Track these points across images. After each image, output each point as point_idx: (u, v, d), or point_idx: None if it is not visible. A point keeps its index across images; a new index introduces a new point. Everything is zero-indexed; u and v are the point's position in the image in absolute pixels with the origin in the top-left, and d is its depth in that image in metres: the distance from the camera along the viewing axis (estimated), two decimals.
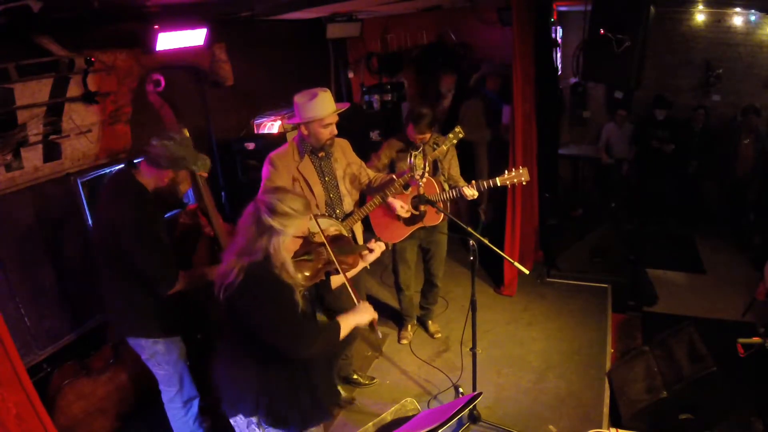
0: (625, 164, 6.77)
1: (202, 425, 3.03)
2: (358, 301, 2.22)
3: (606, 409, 3.46)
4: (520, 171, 3.33)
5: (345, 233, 3.05)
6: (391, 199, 3.39)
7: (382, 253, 2.53)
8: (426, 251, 4.03)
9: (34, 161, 3.13)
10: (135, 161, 2.67)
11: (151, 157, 2.53)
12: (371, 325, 2.22)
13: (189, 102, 4.42)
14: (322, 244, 2.19)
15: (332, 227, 2.97)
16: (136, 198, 2.52)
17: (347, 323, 2.15)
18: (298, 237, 1.99)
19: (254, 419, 2.10)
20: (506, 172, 3.36)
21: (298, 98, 2.92)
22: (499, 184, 3.36)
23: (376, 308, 2.31)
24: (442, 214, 3.60)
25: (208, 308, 2.93)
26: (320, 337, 2.04)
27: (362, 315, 2.19)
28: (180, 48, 3.73)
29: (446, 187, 3.65)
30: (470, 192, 3.40)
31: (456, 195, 3.48)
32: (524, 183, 3.37)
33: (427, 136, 3.57)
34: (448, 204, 3.67)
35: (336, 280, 2.37)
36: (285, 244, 1.95)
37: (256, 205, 1.97)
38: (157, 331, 2.70)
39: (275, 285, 1.95)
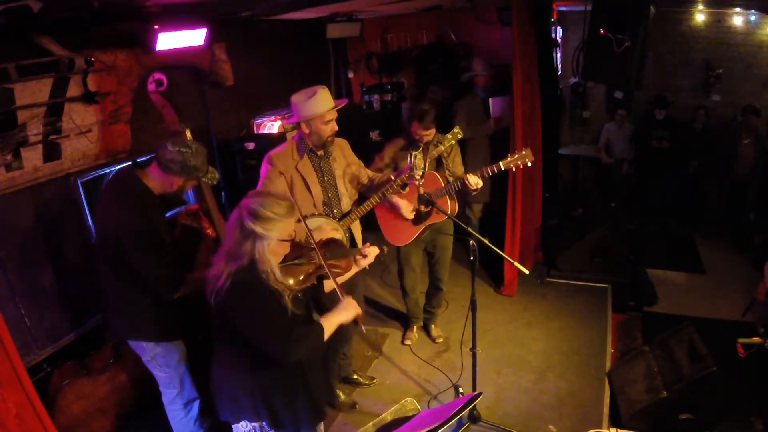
0: (625, 164, 6.77)
1: (203, 426, 3.03)
2: (343, 298, 2.19)
3: (606, 409, 3.46)
4: (523, 152, 3.24)
5: (342, 232, 3.05)
6: (397, 200, 3.38)
7: (383, 255, 2.52)
8: (431, 255, 4.01)
9: (34, 161, 3.13)
10: (139, 160, 2.66)
11: (165, 161, 2.49)
12: (355, 321, 2.18)
13: (189, 102, 4.42)
14: (314, 248, 2.17)
15: (329, 226, 2.96)
16: (140, 202, 2.50)
17: (330, 323, 2.12)
18: (284, 240, 1.98)
19: (257, 424, 2.11)
20: (509, 155, 3.28)
21: (296, 97, 2.93)
22: (503, 168, 3.29)
23: (377, 309, 2.31)
24: (449, 211, 3.57)
25: (208, 310, 2.93)
26: (304, 342, 2.03)
27: (346, 312, 2.15)
28: (180, 48, 3.73)
29: (451, 179, 3.61)
30: (474, 180, 3.33)
31: (459, 186, 3.46)
32: (528, 164, 3.26)
33: (433, 132, 3.55)
34: (455, 198, 3.62)
35: (329, 284, 2.36)
36: (270, 249, 1.93)
37: (239, 210, 1.96)
38: (158, 333, 2.70)
39: (261, 291, 1.94)
